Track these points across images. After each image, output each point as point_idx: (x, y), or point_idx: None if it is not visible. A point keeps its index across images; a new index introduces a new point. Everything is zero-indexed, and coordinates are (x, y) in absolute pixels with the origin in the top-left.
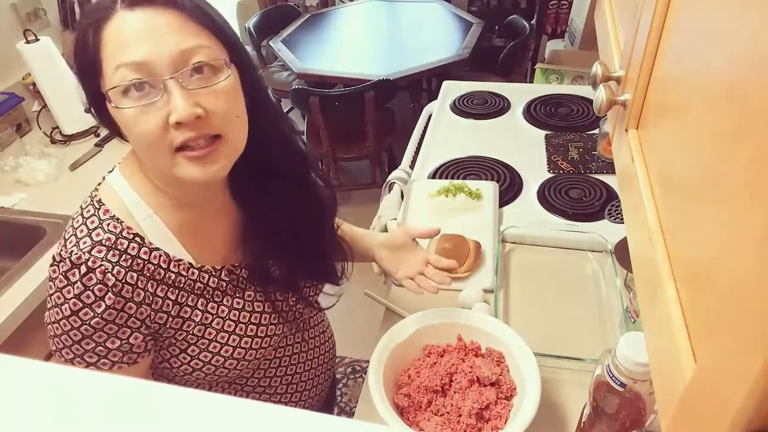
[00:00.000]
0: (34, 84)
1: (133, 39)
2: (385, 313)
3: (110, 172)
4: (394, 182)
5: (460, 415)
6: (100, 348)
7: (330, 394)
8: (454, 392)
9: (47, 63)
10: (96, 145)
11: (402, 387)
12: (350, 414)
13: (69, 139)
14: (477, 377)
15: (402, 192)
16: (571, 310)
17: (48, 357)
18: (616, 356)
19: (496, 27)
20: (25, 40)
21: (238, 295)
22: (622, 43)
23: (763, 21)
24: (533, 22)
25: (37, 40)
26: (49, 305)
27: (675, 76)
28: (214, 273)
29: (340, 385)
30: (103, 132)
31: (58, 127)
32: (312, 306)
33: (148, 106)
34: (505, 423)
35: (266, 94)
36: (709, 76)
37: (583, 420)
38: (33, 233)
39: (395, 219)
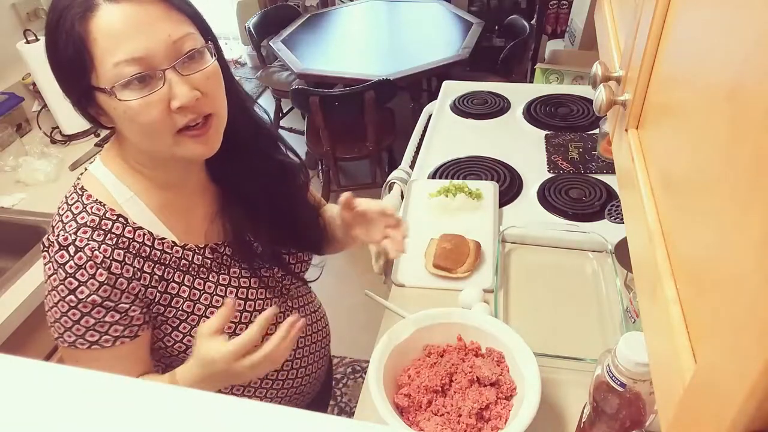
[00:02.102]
0: (34, 84)
1: (127, 33)
2: (385, 313)
3: (91, 163)
4: (394, 182)
5: (460, 415)
6: (100, 324)
7: (326, 380)
8: (454, 392)
9: (47, 63)
10: (96, 145)
11: (402, 387)
12: (350, 414)
13: (69, 139)
14: (477, 377)
15: (402, 192)
16: (571, 310)
17: (48, 357)
18: (616, 356)
19: (496, 27)
20: (25, 40)
21: (223, 272)
22: (622, 43)
23: (763, 21)
24: (533, 22)
25: (37, 40)
26: (46, 292)
27: (675, 76)
28: (197, 251)
29: (340, 385)
30: (104, 132)
31: (58, 127)
32: (298, 278)
33: (150, 95)
34: (505, 423)
35: (230, 72)
36: (708, 76)
37: (583, 420)
38: (33, 233)
39: None
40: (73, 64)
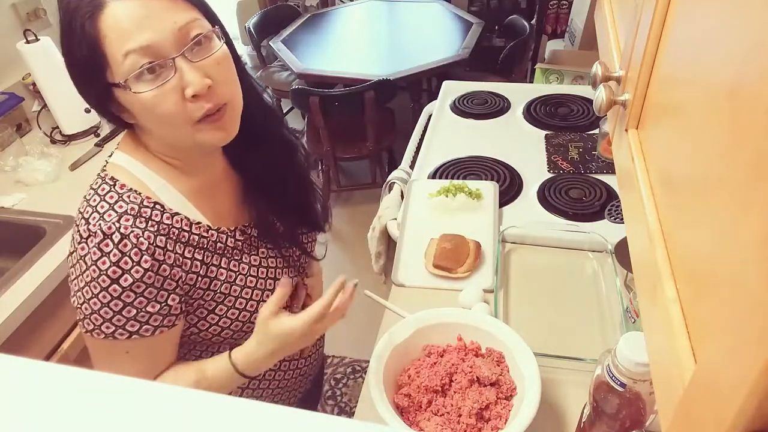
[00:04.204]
0: (34, 84)
1: (134, 25)
2: (385, 313)
3: (110, 156)
4: (394, 182)
5: (460, 415)
6: (142, 314)
7: (317, 377)
8: (454, 392)
9: (47, 63)
10: (96, 145)
11: (402, 387)
12: (350, 414)
13: (69, 139)
14: (477, 377)
15: (402, 192)
16: (571, 310)
17: (48, 357)
18: (616, 356)
19: (496, 27)
20: (25, 40)
21: (253, 253)
22: (622, 43)
23: (763, 21)
24: (533, 22)
25: (37, 40)
26: (79, 286)
27: (675, 76)
28: (229, 233)
29: (340, 385)
30: (104, 132)
31: (58, 127)
32: (311, 256)
33: (163, 86)
34: (505, 423)
35: (238, 56)
36: (708, 76)
37: (583, 420)
38: (33, 233)
39: (395, 219)
40: (89, 64)
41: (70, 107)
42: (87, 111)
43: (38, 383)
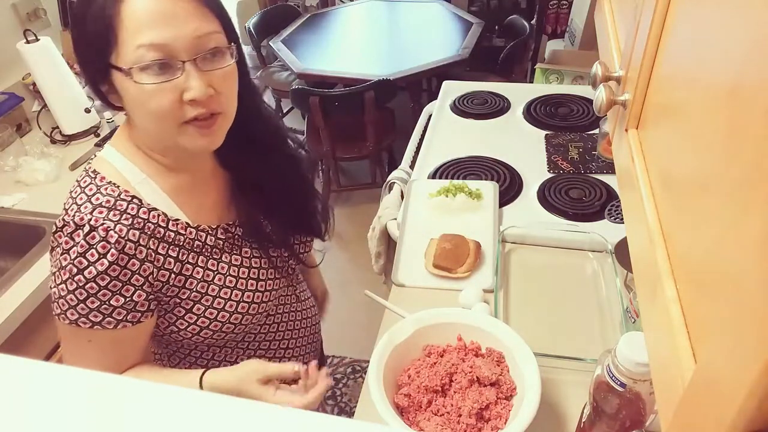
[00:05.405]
0: (34, 84)
1: (155, 21)
2: (385, 313)
3: (101, 150)
4: (394, 182)
5: (460, 415)
6: (105, 306)
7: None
8: (454, 392)
9: (47, 63)
10: (96, 145)
11: (402, 387)
12: (350, 414)
13: (69, 139)
14: (477, 377)
15: (402, 192)
16: (571, 310)
17: (48, 357)
18: (616, 356)
19: (496, 27)
20: (25, 40)
21: (235, 252)
22: (622, 43)
23: (763, 21)
24: (533, 22)
25: (37, 40)
26: (53, 270)
27: (675, 75)
28: (210, 232)
29: (340, 385)
30: (103, 132)
31: (58, 127)
32: (302, 261)
33: (166, 83)
34: (505, 423)
35: (247, 70)
36: (709, 76)
37: (583, 420)
38: (33, 233)
39: (395, 219)
40: (97, 40)
41: (70, 107)
42: (87, 111)
43: (38, 383)
